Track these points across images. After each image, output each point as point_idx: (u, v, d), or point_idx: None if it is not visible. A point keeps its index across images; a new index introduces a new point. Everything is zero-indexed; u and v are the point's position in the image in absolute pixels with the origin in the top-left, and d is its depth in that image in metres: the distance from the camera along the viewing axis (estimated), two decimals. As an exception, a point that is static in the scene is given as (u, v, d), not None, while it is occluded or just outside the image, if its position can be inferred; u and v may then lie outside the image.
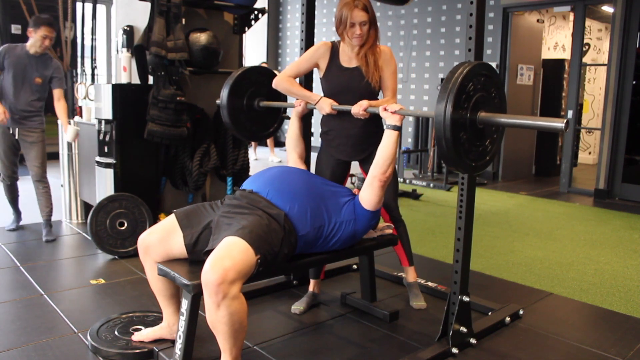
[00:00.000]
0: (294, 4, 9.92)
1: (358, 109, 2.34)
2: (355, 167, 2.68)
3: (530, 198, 6.04)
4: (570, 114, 6.34)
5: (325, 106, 2.46)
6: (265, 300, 2.80)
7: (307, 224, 2.05)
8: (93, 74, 4.50)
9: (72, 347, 2.24)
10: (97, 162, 3.72)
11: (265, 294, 2.86)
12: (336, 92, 2.54)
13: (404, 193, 5.82)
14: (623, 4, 5.73)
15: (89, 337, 2.25)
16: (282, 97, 2.80)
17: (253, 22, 4.20)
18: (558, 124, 1.68)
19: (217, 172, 4.08)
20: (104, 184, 3.70)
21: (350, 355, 2.29)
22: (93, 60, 4.52)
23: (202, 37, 3.75)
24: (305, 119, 2.72)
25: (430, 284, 2.99)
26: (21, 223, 4.01)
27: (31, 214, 4.11)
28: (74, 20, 4.50)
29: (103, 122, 3.66)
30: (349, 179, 2.79)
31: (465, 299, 2.29)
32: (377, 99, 2.54)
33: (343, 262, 3.20)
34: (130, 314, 2.49)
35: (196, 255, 2.00)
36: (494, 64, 6.84)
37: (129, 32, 4.18)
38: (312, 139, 2.94)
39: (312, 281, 2.77)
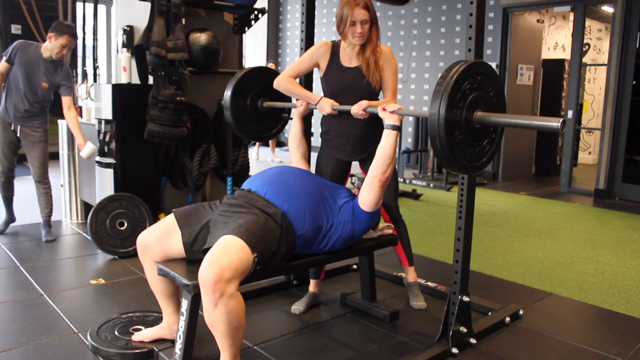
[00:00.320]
0: (294, 4, 9.92)
1: (357, 109, 2.34)
2: (355, 167, 2.68)
3: (530, 198, 6.04)
4: (570, 114, 6.35)
5: (326, 106, 2.46)
6: (265, 300, 2.81)
7: (305, 223, 2.05)
8: (95, 74, 4.50)
9: (72, 347, 2.25)
10: (97, 162, 3.72)
11: (265, 294, 2.86)
12: (336, 91, 2.53)
13: (404, 193, 5.82)
14: (623, 4, 5.73)
15: (89, 337, 2.25)
16: (287, 98, 2.79)
17: (253, 22, 4.20)
18: (554, 123, 1.66)
19: (217, 172, 4.08)
20: (104, 184, 3.70)
21: (350, 355, 2.29)
22: (95, 60, 4.52)
23: (202, 37, 3.75)
24: (306, 119, 2.72)
25: (430, 284, 2.99)
26: (12, 226, 3.91)
27: (31, 214, 4.11)
28: (74, 20, 4.50)
29: (103, 122, 3.66)
30: (349, 178, 2.79)
31: (465, 299, 2.29)
32: (378, 99, 2.54)
33: (343, 262, 3.20)
34: (130, 314, 2.49)
35: (193, 254, 2.00)
36: (494, 64, 6.85)
37: (129, 32, 4.18)
38: (312, 139, 2.94)
39: (312, 281, 2.77)
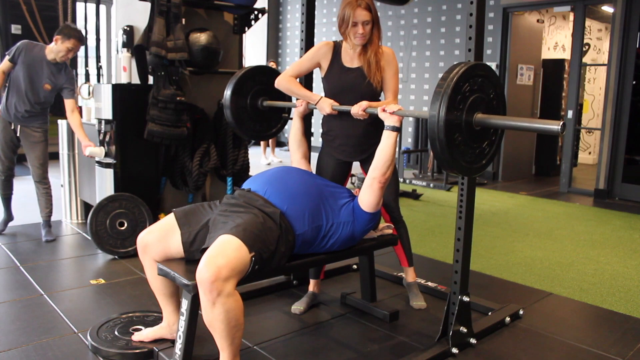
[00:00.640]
0: (294, 4, 9.92)
1: (357, 109, 2.34)
2: (356, 167, 2.68)
3: (530, 198, 6.04)
4: (570, 114, 6.34)
5: (326, 106, 2.46)
6: (265, 300, 2.81)
7: (304, 223, 2.05)
8: (99, 74, 4.49)
9: (72, 347, 2.25)
10: (97, 162, 3.72)
11: (265, 294, 2.86)
12: (338, 92, 2.53)
13: (404, 193, 5.83)
14: (623, 4, 5.73)
15: (89, 337, 2.25)
16: (287, 97, 2.79)
17: (253, 22, 4.20)
18: (554, 126, 1.66)
19: (217, 172, 4.08)
20: (104, 184, 3.70)
21: (350, 355, 2.29)
22: (98, 60, 4.51)
23: (202, 37, 3.75)
24: (306, 119, 2.72)
25: (430, 284, 2.99)
26: (12, 226, 3.89)
27: (31, 214, 4.11)
28: (74, 20, 4.50)
29: (103, 122, 3.66)
30: (350, 178, 2.79)
31: (465, 299, 2.29)
32: (379, 100, 2.54)
33: (343, 262, 3.20)
34: (130, 314, 2.49)
35: (192, 254, 2.01)
36: (494, 64, 6.85)
37: (129, 32, 4.18)
38: (312, 139, 2.94)
39: (312, 281, 2.77)
